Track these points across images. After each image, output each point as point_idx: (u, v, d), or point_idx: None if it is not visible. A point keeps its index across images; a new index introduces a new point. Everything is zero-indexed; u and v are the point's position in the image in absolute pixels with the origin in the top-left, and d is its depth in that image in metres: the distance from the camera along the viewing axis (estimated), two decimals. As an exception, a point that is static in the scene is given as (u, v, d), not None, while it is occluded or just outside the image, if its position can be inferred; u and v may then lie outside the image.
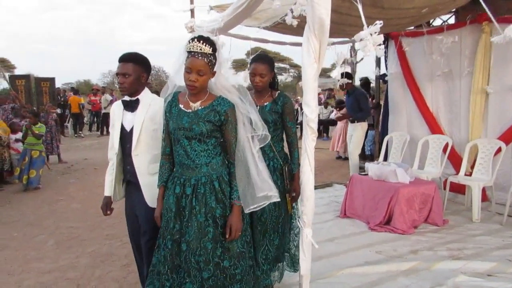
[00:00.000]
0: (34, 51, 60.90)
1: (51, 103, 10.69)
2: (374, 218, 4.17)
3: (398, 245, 3.67)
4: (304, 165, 2.16)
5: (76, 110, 13.97)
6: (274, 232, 2.60)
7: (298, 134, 2.33)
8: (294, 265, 2.76)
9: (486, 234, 3.93)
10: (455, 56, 5.07)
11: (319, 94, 15.60)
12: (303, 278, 2.28)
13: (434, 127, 5.47)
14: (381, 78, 6.67)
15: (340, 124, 8.87)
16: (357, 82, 8.91)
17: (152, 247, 2.23)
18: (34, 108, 9.52)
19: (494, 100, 4.80)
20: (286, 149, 2.72)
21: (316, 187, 5.48)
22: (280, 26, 4.46)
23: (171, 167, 2.18)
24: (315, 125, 2.11)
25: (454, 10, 5.22)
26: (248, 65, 2.73)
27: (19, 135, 7.09)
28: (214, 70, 2.04)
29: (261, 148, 2.18)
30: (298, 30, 2.97)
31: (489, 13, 2.93)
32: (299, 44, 2.08)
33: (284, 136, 2.71)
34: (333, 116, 11.67)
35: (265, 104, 2.64)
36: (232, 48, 4.68)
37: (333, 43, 5.38)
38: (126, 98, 2.39)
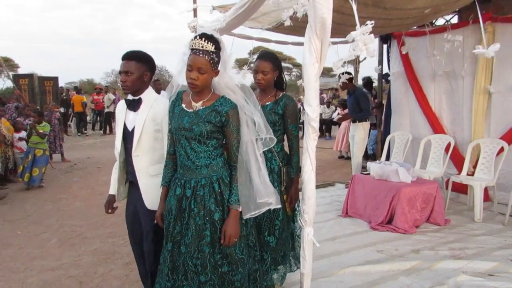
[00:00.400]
0: (38, 50, 61.17)
1: (54, 102, 10.75)
2: (375, 217, 4.18)
3: (399, 244, 3.67)
4: (305, 164, 2.16)
5: (79, 109, 14.03)
6: (270, 235, 2.53)
7: (301, 134, 2.29)
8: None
9: (488, 234, 3.93)
10: (458, 55, 5.07)
11: (321, 93, 15.64)
12: (304, 277, 2.29)
13: (437, 127, 5.47)
14: (384, 77, 6.67)
15: (344, 123, 8.86)
16: (359, 82, 8.93)
17: (156, 247, 2.22)
18: (38, 107, 9.59)
19: (496, 100, 4.79)
20: (287, 148, 2.66)
21: (318, 186, 5.53)
22: (282, 27, 4.47)
23: (175, 167, 2.14)
24: (316, 124, 2.12)
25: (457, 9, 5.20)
26: (249, 63, 2.69)
27: (23, 134, 7.15)
28: (218, 69, 1.99)
29: None
30: (300, 30, 2.98)
31: (480, 16, 2.92)
32: (302, 44, 2.08)
33: (285, 137, 2.65)
34: (335, 115, 11.65)
35: (267, 103, 2.58)
36: (234, 47, 4.70)
37: (335, 43, 5.38)
38: (129, 97, 2.33)
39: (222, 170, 2.01)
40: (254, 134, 2.05)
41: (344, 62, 2.00)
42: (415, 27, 5.54)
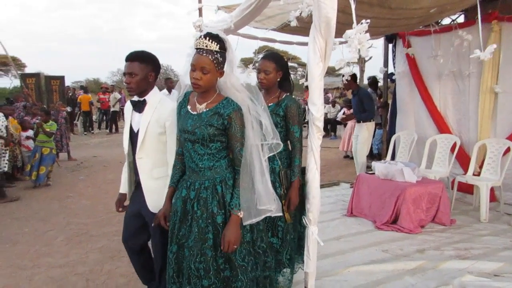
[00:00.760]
0: (44, 49, 61.62)
1: (60, 101, 10.85)
2: (380, 217, 4.17)
3: (404, 244, 3.67)
4: (310, 163, 2.17)
5: (86, 108, 14.14)
6: (273, 236, 2.50)
7: (306, 133, 2.26)
8: None
9: (493, 234, 3.91)
10: (464, 55, 5.04)
11: (327, 92, 15.61)
12: (308, 276, 2.31)
13: (442, 127, 5.44)
14: (389, 77, 6.65)
15: (350, 123, 8.84)
16: (365, 81, 8.91)
17: (162, 248, 2.22)
18: (44, 106, 9.68)
19: (503, 99, 4.76)
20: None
21: (323, 186, 5.53)
22: (287, 28, 4.48)
23: (183, 167, 2.11)
24: (321, 124, 2.12)
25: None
26: (254, 62, 2.66)
27: (30, 132, 7.22)
28: (223, 69, 1.93)
29: None
30: (305, 31, 2.99)
31: (479, 17, 2.92)
32: (307, 44, 2.07)
33: (288, 137, 2.56)
34: (340, 114, 11.63)
35: (269, 105, 2.50)
36: (240, 47, 4.70)
37: (340, 43, 5.37)
38: (135, 98, 2.29)
39: (225, 172, 1.97)
40: (260, 137, 1.97)
41: (348, 62, 1.98)
42: (421, 27, 5.51)
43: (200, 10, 4.22)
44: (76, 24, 70.21)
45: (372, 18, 4.03)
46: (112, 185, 6.50)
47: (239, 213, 1.90)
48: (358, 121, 5.74)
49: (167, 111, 2.19)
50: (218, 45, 1.89)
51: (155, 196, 2.23)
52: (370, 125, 5.67)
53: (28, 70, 24.46)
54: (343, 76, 5.44)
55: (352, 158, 8.62)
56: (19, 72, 15.87)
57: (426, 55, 5.56)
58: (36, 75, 13.43)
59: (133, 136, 2.31)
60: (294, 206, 2.45)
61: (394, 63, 6.36)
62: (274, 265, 2.43)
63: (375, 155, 8.04)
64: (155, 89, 2.31)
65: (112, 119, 14.56)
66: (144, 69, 2.20)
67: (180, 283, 2.00)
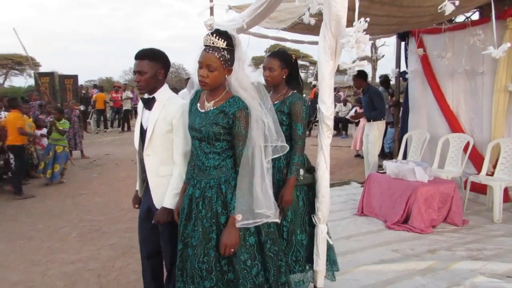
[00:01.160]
0: (58, 49, 62.46)
1: (74, 100, 11.00)
2: (391, 216, 4.14)
3: (415, 244, 3.64)
4: (319, 161, 2.17)
5: (101, 106, 14.32)
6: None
7: (316, 132, 2.25)
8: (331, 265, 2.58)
9: (507, 235, 3.85)
10: (477, 53, 4.96)
11: (338, 91, 15.50)
12: (317, 274, 2.31)
13: (455, 126, 5.38)
14: (401, 75, 6.58)
15: (362, 122, 8.79)
16: (377, 80, 8.84)
17: (172, 247, 2.19)
18: (58, 104, 9.83)
19: (517, 98, 4.68)
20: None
21: (333, 185, 5.52)
22: (298, 27, 4.47)
23: None
24: (331, 122, 2.12)
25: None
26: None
27: (44, 130, 7.35)
28: (231, 67, 1.89)
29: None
30: (315, 30, 2.98)
31: (493, 14, 2.91)
32: (317, 43, 2.06)
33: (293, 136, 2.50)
34: (352, 113, 11.55)
35: (275, 102, 2.47)
36: (251, 46, 4.71)
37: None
38: (145, 95, 2.28)
39: (231, 172, 1.93)
40: (263, 138, 1.89)
41: (355, 60, 1.93)
42: (434, 25, 5.44)
43: (211, 9, 4.24)
44: (89, 24, 70.97)
45: (383, 17, 4.00)
46: (124, 183, 6.58)
47: (236, 215, 1.84)
48: (368, 120, 5.69)
49: (175, 108, 2.18)
50: (226, 42, 1.85)
51: (161, 194, 2.22)
52: (381, 124, 5.60)
53: (42, 69, 24.82)
54: (347, 74, 5.36)
55: (363, 157, 8.58)
56: (33, 71, 16.14)
57: (439, 53, 5.50)
58: (50, 74, 13.66)
59: (143, 133, 2.31)
60: (286, 203, 2.37)
61: (406, 62, 6.30)
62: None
63: (387, 154, 7.97)
64: (165, 86, 2.29)
65: (124, 117, 14.73)
66: (153, 67, 2.19)
67: (185, 283, 1.97)
